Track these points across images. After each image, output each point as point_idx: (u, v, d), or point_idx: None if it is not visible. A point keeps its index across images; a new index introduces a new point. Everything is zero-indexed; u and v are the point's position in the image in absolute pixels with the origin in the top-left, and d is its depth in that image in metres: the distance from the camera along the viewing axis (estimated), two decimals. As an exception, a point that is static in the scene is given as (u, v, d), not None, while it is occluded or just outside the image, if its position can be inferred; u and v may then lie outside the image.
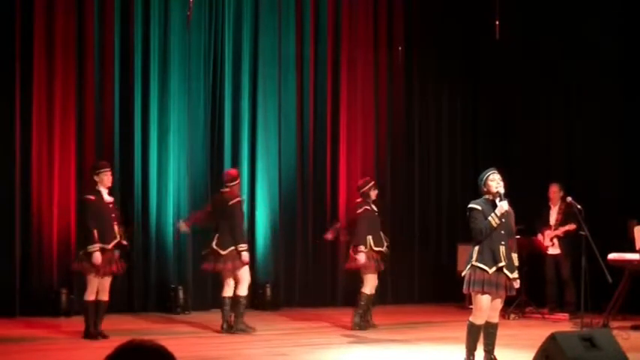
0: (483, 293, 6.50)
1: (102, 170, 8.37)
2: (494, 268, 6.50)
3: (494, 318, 6.70)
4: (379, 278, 9.52)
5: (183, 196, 10.90)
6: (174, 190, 10.89)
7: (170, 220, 10.82)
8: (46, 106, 10.16)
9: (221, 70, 11.25)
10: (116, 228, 8.25)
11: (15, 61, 9.95)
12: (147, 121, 10.76)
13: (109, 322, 8.72)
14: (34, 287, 9.99)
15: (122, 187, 10.54)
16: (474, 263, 6.55)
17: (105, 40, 10.55)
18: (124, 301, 10.44)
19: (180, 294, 10.59)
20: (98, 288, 8.23)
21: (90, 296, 8.23)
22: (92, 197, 8.31)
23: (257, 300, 11.14)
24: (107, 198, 8.33)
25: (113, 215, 8.30)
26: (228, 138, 11.28)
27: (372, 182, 9.66)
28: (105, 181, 8.32)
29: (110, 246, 8.17)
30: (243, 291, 8.87)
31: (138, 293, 10.61)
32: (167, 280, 10.74)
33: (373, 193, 9.50)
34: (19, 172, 9.94)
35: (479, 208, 6.61)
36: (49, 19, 10.20)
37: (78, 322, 8.51)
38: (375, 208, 9.48)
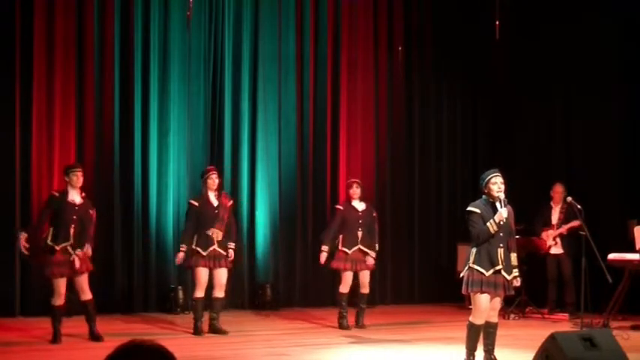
0: (482, 293, 6.50)
1: (71, 171, 8.23)
2: (491, 271, 6.48)
3: (494, 318, 6.70)
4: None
5: (183, 196, 10.88)
6: (175, 190, 10.89)
7: (170, 220, 10.83)
8: (46, 106, 10.17)
9: (221, 70, 11.25)
10: (72, 230, 8.01)
11: (15, 61, 9.95)
12: (147, 121, 10.76)
13: (109, 323, 8.73)
14: (34, 287, 9.98)
15: (122, 187, 10.56)
16: (471, 265, 6.55)
17: (105, 40, 10.56)
18: (124, 301, 10.46)
19: (180, 294, 10.60)
20: (77, 289, 8.15)
21: (54, 300, 8.06)
22: (56, 194, 8.28)
23: (257, 300, 11.15)
24: (74, 199, 8.13)
25: (74, 217, 8.06)
26: (228, 138, 11.28)
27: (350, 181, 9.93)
28: (74, 181, 8.15)
29: (59, 247, 7.99)
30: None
31: (138, 293, 10.61)
32: (167, 280, 10.74)
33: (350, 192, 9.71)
34: (19, 172, 9.94)
35: (478, 211, 6.56)
36: (49, 19, 10.20)
37: (78, 323, 8.50)
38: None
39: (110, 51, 10.56)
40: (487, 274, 6.47)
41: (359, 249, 9.43)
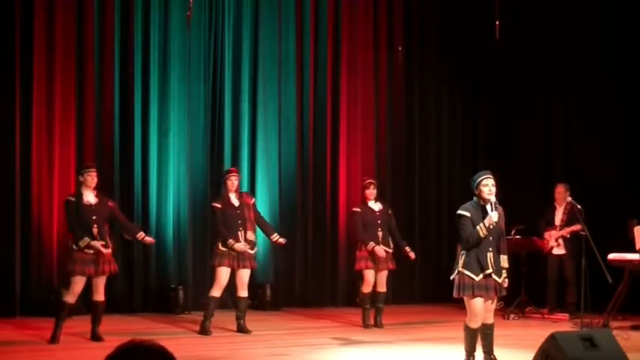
0: (474, 297, 6.45)
1: (85, 171, 8.21)
2: (481, 276, 6.41)
3: (490, 319, 6.65)
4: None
5: (183, 196, 10.91)
6: (174, 190, 10.90)
7: (170, 220, 10.84)
8: (46, 106, 10.17)
9: (221, 70, 11.26)
10: (95, 230, 8.00)
11: (15, 61, 9.95)
12: (147, 121, 10.77)
13: (109, 323, 8.72)
14: (34, 287, 9.99)
15: (122, 187, 10.57)
16: (460, 269, 6.47)
17: (105, 40, 10.57)
18: (124, 301, 10.46)
19: (180, 294, 10.61)
20: (92, 289, 8.13)
21: (68, 297, 8.03)
22: (72, 198, 8.19)
23: (257, 300, 11.14)
24: (90, 200, 8.11)
25: (94, 217, 8.04)
26: (228, 138, 11.29)
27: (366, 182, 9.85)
28: (88, 182, 8.12)
29: (88, 251, 7.95)
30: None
31: (138, 293, 10.62)
32: (167, 280, 10.75)
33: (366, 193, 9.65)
34: (19, 172, 9.95)
35: (467, 215, 6.45)
36: (49, 19, 10.21)
37: (79, 323, 8.50)
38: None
39: (110, 51, 10.56)
40: (477, 279, 6.41)
41: (381, 249, 9.43)
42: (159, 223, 10.81)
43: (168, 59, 10.91)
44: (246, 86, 11.43)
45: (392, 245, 9.55)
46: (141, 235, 8.52)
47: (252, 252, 8.84)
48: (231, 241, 8.67)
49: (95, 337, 8.12)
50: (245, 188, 11.27)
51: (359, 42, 12.23)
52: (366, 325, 9.39)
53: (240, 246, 8.69)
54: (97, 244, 7.95)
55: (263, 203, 11.43)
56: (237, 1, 11.40)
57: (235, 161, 11.26)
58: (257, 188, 11.42)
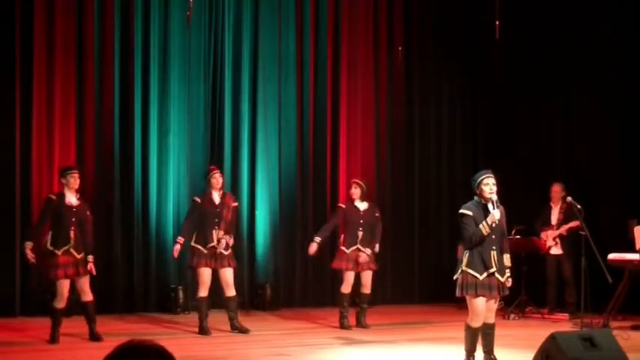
0: (477, 296, 6.46)
1: (68, 172, 8.18)
2: (484, 274, 6.43)
3: (491, 319, 6.66)
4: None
5: (184, 196, 10.90)
6: (175, 190, 10.90)
7: (170, 220, 10.83)
8: (46, 105, 10.18)
9: (221, 70, 11.26)
10: (72, 234, 7.98)
11: (15, 61, 9.95)
12: (147, 121, 10.77)
13: (108, 323, 8.72)
14: (34, 287, 9.98)
15: (122, 188, 10.56)
16: (464, 268, 6.49)
17: (105, 40, 10.57)
18: (124, 301, 10.46)
19: (180, 294, 10.61)
20: (78, 291, 8.13)
21: (57, 303, 8.00)
22: (54, 197, 8.16)
23: (257, 300, 11.15)
24: (71, 202, 8.09)
25: (73, 220, 8.03)
26: (228, 138, 11.29)
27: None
28: (71, 183, 8.09)
29: (60, 252, 7.94)
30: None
31: (138, 293, 10.62)
32: (167, 280, 10.74)
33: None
34: (19, 171, 9.95)
35: (470, 214, 6.47)
36: (49, 19, 10.21)
37: (77, 323, 8.50)
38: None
39: (110, 51, 10.56)
40: (481, 277, 6.42)
41: (357, 248, 9.41)
42: (159, 223, 10.81)
43: (168, 59, 10.91)
44: (246, 86, 11.42)
45: (374, 245, 9.52)
46: (90, 257, 8.15)
47: (226, 252, 8.81)
48: (179, 238, 8.84)
49: (94, 337, 8.12)
50: (245, 188, 11.29)
51: (359, 42, 12.22)
52: (344, 327, 9.33)
53: (175, 251, 8.83)
54: (30, 255, 7.96)
55: (263, 203, 11.44)
56: (237, 1, 11.40)
57: (235, 161, 11.27)
58: (257, 188, 11.42)
